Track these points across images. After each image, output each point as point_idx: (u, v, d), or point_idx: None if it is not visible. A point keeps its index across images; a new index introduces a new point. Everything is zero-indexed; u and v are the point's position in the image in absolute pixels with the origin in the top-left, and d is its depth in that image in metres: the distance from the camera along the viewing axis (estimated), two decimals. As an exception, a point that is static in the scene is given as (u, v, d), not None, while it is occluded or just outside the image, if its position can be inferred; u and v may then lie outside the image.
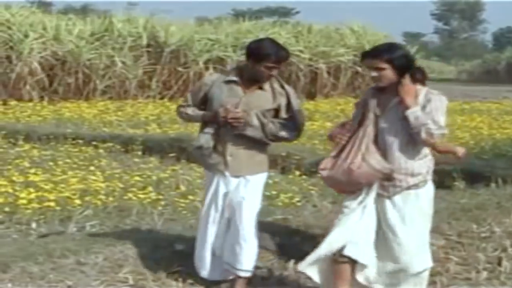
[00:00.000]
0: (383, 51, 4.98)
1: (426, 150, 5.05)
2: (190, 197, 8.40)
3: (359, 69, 25.73)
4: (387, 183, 4.98)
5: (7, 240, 6.61)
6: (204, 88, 5.63)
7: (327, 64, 25.80)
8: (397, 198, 5.00)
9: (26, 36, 20.80)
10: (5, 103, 19.23)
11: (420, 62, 27.12)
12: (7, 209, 7.65)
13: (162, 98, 22.29)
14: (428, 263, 5.16)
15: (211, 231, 5.60)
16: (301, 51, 24.97)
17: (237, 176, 5.51)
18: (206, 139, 5.52)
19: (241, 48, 23.57)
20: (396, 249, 5.01)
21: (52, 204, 7.80)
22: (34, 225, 7.33)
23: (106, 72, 21.87)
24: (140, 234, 6.82)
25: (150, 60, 22.75)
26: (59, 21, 22.24)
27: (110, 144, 11.98)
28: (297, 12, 75.96)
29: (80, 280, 5.77)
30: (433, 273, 6.15)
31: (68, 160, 10.58)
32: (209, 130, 5.51)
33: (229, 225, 5.55)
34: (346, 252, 4.97)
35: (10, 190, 8.24)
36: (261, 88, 5.52)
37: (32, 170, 9.51)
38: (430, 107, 4.89)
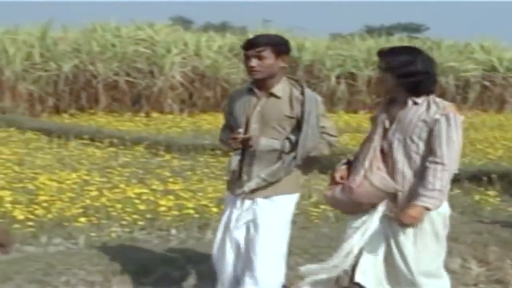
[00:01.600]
0: (386, 54, 4.49)
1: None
2: (322, 206, 8.37)
3: (488, 83, 25.98)
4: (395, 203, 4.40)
5: (148, 246, 6.86)
6: (228, 104, 5.02)
7: (456, 79, 25.79)
8: None
9: (168, 51, 21.49)
10: (147, 115, 19.92)
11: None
12: (148, 216, 7.89)
13: (296, 111, 22.46)
14: None
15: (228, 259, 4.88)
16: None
17: (251, 199, 4.76)
18: (236, 161, 4.79)
19: (372, 64, 23.65)
20: (405, 273, 4.44)
21: (190, 211, 8.00)
22: (173, 231, 7.57)
23: (243, 86, 22.19)
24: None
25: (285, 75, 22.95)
26: (200, 38, 22.86)
27: (247, 155, 12.17)
28: (427, 29, 74.73)
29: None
30: None
31: (206, 170, 10.86)
32: (238, 151, 4.78)
33: (246, 250, 4.80)
34: (357, 279, 4.51)
35: (152, 198, 8.50)
36: (273, 94, 4.75)
37: (172, 179, 9.82)
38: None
